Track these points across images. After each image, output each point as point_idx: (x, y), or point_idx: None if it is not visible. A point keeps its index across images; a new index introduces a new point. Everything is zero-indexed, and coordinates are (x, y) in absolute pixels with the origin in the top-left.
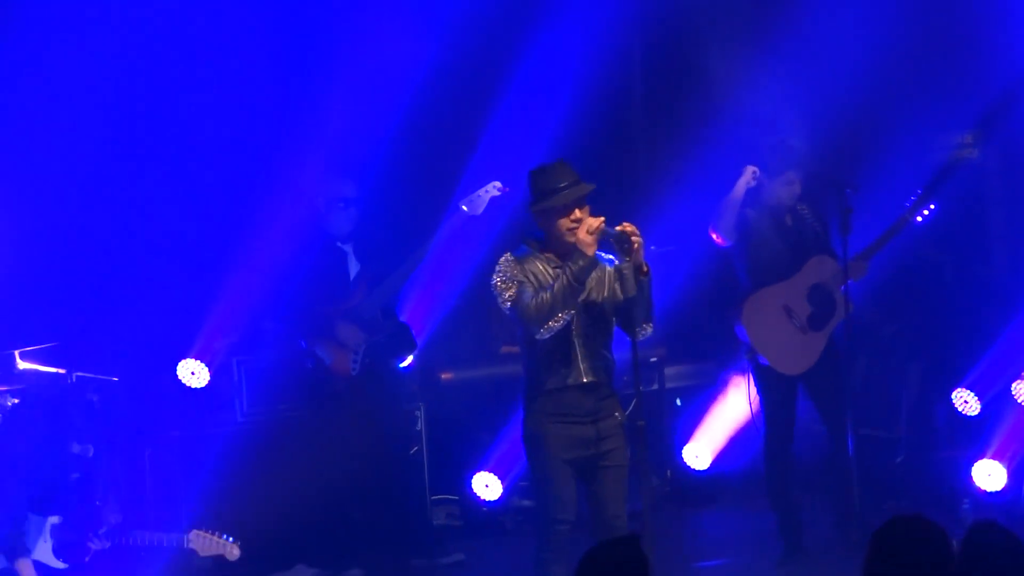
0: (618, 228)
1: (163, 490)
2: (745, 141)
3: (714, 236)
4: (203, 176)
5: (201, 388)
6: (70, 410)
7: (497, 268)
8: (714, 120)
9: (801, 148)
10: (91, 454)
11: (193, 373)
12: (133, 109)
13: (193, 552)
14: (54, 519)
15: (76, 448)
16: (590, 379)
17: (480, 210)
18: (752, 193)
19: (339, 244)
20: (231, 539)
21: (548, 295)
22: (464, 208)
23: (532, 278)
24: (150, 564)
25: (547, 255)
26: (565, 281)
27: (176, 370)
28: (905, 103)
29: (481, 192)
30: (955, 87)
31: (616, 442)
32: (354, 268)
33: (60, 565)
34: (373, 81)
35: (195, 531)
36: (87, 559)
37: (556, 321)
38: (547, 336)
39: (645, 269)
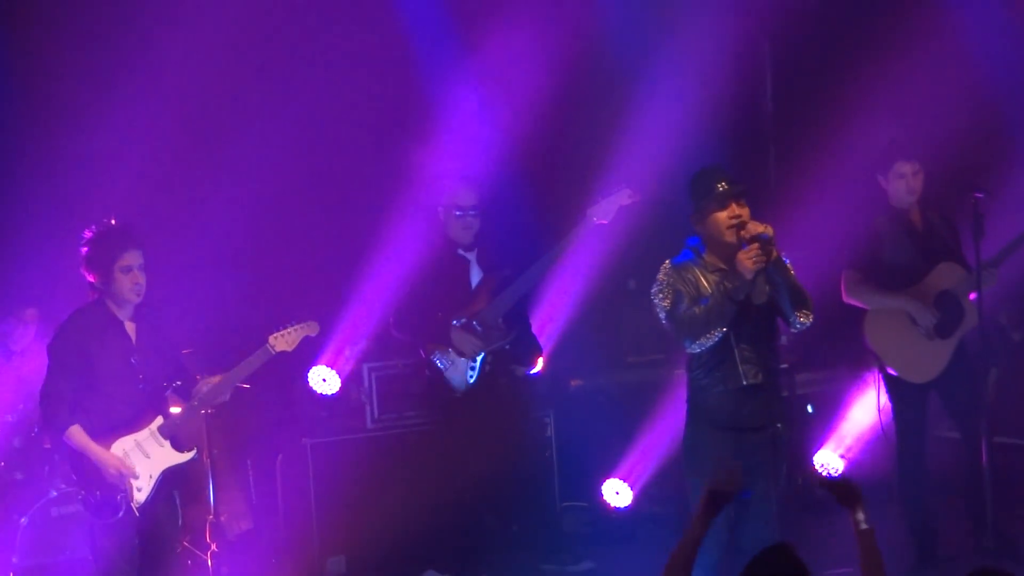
0: (752, 234)
1: (293, 496)
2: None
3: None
4: (333, 185)
5: (332, 395)
6: None
7: (656, 278)
8: (846, 124)
9: (902, 139)
10: None
11: (324, 380)
12: (269, 117)
13: (284, 352)
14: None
15: None
16: (750, 382)
17: (609, 218)
18: (878, 197)
19: (461, 252)
20: (304, 323)
21: (700, 310)
22: (593, 216)
23: (689, 287)
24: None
25: (707, 260)
26: (720, 299)
27: (307, 377)
28: None
29: (611, 199)
30: None
31: (766, 455)
32: (476, 276)
33: (186, 456)
34: (498, 88)
35: (271, 336)
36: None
37: (708, 338)
38: (698, 350)
39: (774, 255)
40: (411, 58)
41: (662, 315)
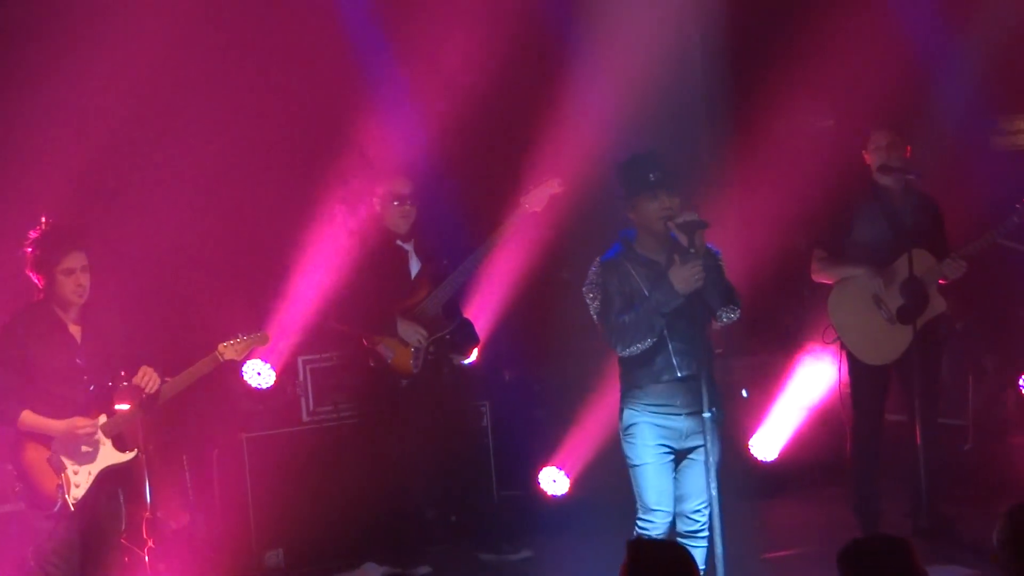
0: (683, 219)
1: (230, 491)
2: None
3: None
4: (264, 177)
5: (267, 388)
6: None
7: (588, 276)
8: (778, 107)
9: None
10: None
11: (259, 373)
12: (207, 114)
13: (232, 361)
14: (101, 420)
15: None
16: (684, 373)
17: (541, 206)
18: (859, 168)
19: (399, 243)
20: (254, 333)
21: (629, 320)
22: (524, 205)
23: (621, 284)
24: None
25: (639, 252)
26: (650, 310)
27: (242, 371)
28: (969, 88)
29: (541, 188)
30: (1020, 71)
31: (701, 439)
32: (415, 266)
33: (127, 455)
34: (432, 75)
35: (221, 345)
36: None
37: (638, 346)
38: (627, 355)
39: (703, 252)
40: (343, 51)
41: (594, 315)
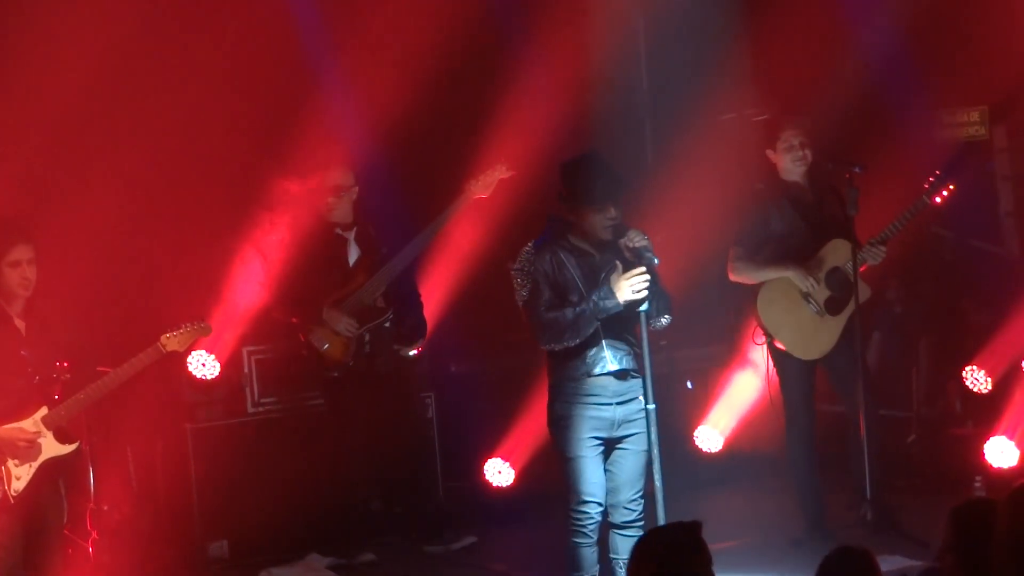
0: (633, 244)
1: (175, 482)
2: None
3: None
4: (208, 166)
5: (211, 379)
6: None
7: (517, 259)
8: (721, 101)
9: (789, 111)
10: None
11: (204, 364)
12: (151, 104)
13: (175, 353)
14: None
15: None
16: (614, 367)
17: (488, 192)
18: (767, 169)
19: (339, 231)
20: (197, 324)
21: (563, 320)
22: (471, 190)
23: (551, 273)
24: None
25: (574, 242)
26: (587, 315)
27: (187, 361)
28: (912, 80)
29: (488, 173)
30: (963, 65)
31: (638, 427)
32: (354, 255)
33: (68, 447)
34: (375, 64)
35: (163, 336)
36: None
37: (567, 345)
38: (554, 350)
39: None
40: (286, 38)
41: (520, 302)
